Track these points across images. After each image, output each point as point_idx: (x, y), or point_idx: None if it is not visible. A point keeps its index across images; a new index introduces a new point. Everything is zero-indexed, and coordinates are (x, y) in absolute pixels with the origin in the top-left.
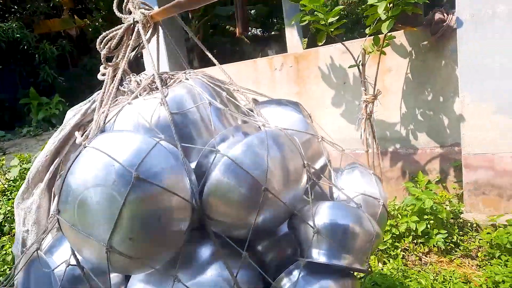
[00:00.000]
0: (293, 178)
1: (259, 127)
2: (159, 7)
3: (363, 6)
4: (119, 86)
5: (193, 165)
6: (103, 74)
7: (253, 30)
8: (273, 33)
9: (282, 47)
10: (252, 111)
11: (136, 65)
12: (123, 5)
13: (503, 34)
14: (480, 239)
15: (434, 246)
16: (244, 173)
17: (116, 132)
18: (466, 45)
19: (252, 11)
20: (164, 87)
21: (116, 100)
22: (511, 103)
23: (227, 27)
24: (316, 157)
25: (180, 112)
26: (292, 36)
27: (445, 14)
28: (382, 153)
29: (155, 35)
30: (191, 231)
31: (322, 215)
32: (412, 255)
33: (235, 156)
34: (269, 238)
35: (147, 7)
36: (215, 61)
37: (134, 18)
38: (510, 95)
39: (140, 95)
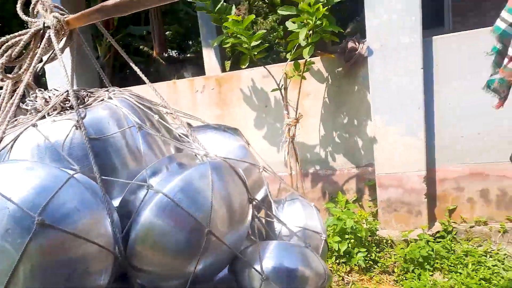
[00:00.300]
0: (238, 216)
1: (197, 156)
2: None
3: (277, 32)
4: (20, 103)
5: (116, 202)
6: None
7: (168, 51)
8: (189, 55)
9: (198, 70)
10: (187, 137)
11: (37, 83)
12: (31, 7)
13: (406, 62)
14: (395, 255)
15: (355, 265)
16: (183, 214)
17: (14, 162)
18: (376, 72)
19: (167, 32)
20: (81, 106)
21: (16, 120)
22: (416, 127)
23: (141, 47)
24: (257, 189)
25: (101, 138)
26: (210, 58)
27: (357, 43)
28: (304, 174)
29: (71, 45)
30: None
31: (268, 257)
32: (335, 275)
33: (172, 193)
34: (204, 286)
35: (61, 11)
36: (145, 79)
37: (44, 23)
38: (414, 119)
39: (48, 115)
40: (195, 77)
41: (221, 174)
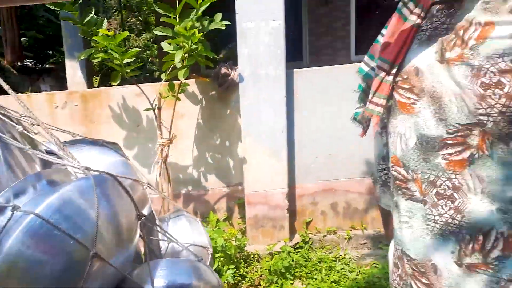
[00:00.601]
0: (126, 234)
1: (73, 172)
2: None
3: (151, 51)
4: None
5: None
6: None
7: (24, 60)
8: (47, 65)
9: (58, 82)
10: (58, 151)
11: None
12: None
13: (273, 90)
14: (261, 268)
15: (224, 282)
16: (62, 237)
17: None
18: (247, 98)
19: (23, 39)
20: None
21: None
22: (279, 149)
23: None
24: (141, 206)
25: None
26: (74, 72)
27: (229, 69)
28: (175, 195)
29: None
30: None
31: (160, 276)
32: None
33: (47, 213)
34: None
35: None
36: (6, 87)
37: None
38: (278, 142)
39: None
40: (56, 92)
41: (106, 190)
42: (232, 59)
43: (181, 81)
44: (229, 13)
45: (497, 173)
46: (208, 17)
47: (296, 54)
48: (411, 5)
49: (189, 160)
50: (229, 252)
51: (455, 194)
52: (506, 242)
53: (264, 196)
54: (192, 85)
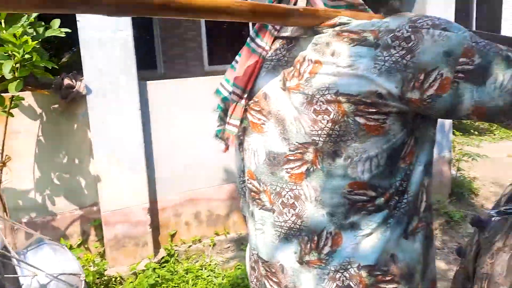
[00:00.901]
0: None
1: None
2: None
3: None
4: None
5: None
6: None
7: None
8: None
9: None
10: None
11: None
12: None
13: (125, 103)
14: None
15: None
16: None
17: None
18: (96, 111)
19: None
20: None
21: None
22: (138, 162)
23: None
24: None
25: None
26: None
27: (74, 80)
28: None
29: None
30: None
31: None
32: None
33: None
34: None
35: None
36: None
37: None
38: (135, 156)
39: None
40: None
41: None
42: (78, 64)
43: (13, 95)
44: (71, 17)
45: (326, 183)
46: (43, 22)
47: (150, 62)
48: (258, 40)
49: (30, 184)
50: (87, 280)
51: (296, 202)
52: (333, 240)
53: (123, 214)
54: (29, 98)
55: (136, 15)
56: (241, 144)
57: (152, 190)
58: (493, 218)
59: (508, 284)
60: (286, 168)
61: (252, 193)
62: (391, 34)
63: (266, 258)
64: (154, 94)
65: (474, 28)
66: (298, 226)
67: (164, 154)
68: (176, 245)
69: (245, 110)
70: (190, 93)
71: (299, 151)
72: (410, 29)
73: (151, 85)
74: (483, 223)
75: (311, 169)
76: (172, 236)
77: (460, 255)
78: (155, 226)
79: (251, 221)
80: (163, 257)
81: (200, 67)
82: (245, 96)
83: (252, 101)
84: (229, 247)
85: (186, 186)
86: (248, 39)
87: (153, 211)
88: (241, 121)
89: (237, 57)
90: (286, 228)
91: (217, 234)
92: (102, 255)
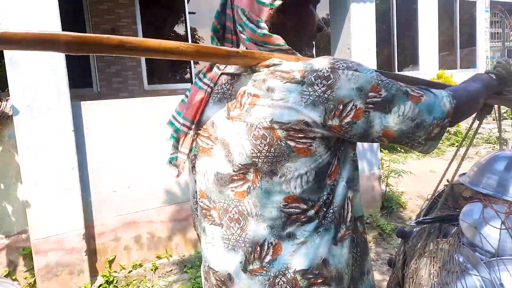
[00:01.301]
0: None
1: None
2: None
3: None
4: None
5: None
6: None
7: None
8: None
9: None
10: None
11: None
12: None
13: (56, 124)
14: None
15: None
16: None
17: None
18: (24, 133)
19: None
20: None
21: None
22: (71, 186)
23: None
24: None
25: None
26: None
27: None
28: None
29: None
30: None
31: None
32: None
33: None
34: None
35: None
36: None
37: None
38: (69, 179)
39: None
40: None
41: None
42: (2, 82)
43: None
44: None
45: (265, 199)
46: None
47: (86, 81)
48: (205, 79)
49: None
50: None
51: (240, 217)
52: (274, 249)
53: (56, 241)
54: None
55: (94, 53)
56: (193, 167)
57: (88, 214)
58: (414, 229)
59: (430, 285)
60: (231, 187)
61: (204, 211)
62: (315, 74)
63: (216, 268)
64: (89, 115)
65: (396, 46)
66: (243, 239)
67: (101, 176)
68: (115, 271)
69: (196, 137)
70: (128, 114)
71: (241, 171)
72: (329, 70)
73: (86, 105)
74: (407, 234)
75: (252, 187)
76: (111, 262)
77: (391, 266)
78: (92, 252)
79: (203, 236)
80: (100, 285)
81: (139, 86)
82: (193, 127)
83: (201, 129)
84: (171, 270)
85: (126, 208)
86: (197, 78)
87: (89, 236)
88: (190, 150)
89: (187, 92)
90: (233, 240)
91: (159, 257)
92: (33, 286)
